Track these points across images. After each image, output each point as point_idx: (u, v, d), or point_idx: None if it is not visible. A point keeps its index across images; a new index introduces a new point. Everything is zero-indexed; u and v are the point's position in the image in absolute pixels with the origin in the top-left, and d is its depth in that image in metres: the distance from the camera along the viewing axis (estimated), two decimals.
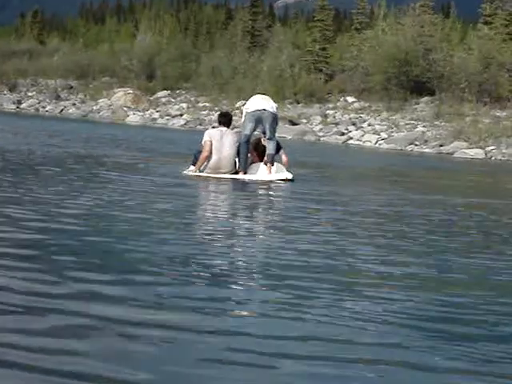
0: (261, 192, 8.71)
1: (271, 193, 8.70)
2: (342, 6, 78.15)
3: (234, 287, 3.55)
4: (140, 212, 5.75)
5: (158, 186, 7.86)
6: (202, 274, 3.74)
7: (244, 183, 9.42)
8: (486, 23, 37.74)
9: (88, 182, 7.69)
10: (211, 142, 9.65)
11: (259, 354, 2.55)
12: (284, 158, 10.47)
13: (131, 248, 4.28)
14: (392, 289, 3.67)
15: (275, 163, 10.04)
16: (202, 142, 9.73)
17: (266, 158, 9.99)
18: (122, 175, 8.62)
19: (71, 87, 46.26)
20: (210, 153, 9.59)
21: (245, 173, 9.86)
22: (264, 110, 10.02)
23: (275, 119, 10.15)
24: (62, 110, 39.77)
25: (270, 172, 9.87)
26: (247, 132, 9.92)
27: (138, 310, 2.97)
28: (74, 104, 41.46)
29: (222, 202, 7.64)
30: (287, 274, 3.83)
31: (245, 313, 3.14)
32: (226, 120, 10.08)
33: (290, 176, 9.77)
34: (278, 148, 10.55)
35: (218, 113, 11.26)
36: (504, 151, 26.46)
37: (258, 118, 9.98)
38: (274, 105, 10.27)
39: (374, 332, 2.92)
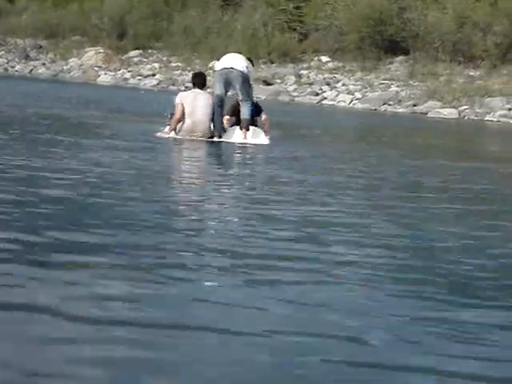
0: (231, 156, 8.52)
1: (242, 157, 8.46)
2: None
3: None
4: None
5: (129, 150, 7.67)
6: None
7: (216, 146, 9.14)
8: None
9: (56, 144, 7.53)
10: (182, 104, 9.25)
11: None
12: (265, 123, 10.08)
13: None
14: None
15: (252, 127, 9.65)
16: (175, 103, 9.38)
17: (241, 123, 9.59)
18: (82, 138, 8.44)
19: (41, 47, 45.36)
20: (182, 115, 9.22)
21: (220, 137, 9.49)
22: (232, 68, 9.47)
23: (246, 79, 9.54)
24: (31, 70, 39.07)
25: (246, 137, 9.47)
26: (217, 92, 9.45)
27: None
28: (44, 64, 40.73)
29: (188, 166, 7.41)
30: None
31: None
32: (199, 81, 9.63)
33: (265, 141, 9.44)
34: (259, 110, 10.24)
35: (192, 73, 10.82)
36: (477, 111, 26.54)
37: (226, 78, 9.45)
38: (246, 64, 9.60)
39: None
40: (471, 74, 31.95)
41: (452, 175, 7.93)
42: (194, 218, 4.18)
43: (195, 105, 9.30)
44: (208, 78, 11.92)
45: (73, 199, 4.47)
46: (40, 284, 2.62)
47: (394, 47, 35.61)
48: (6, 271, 2.74)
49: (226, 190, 5.40)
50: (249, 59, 9.94)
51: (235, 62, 9.51)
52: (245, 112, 9.51)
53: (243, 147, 9.03)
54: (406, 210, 5.09)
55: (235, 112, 9.95)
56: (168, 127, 9.39)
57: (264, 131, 10.05)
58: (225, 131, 9.62)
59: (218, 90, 9.42)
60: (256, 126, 10.04)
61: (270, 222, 4.05)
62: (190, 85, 10.04)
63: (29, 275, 2.72)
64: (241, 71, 9.39)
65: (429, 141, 14.58)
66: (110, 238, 3.46)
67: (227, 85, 9.44)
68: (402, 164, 8.69)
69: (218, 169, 7.02)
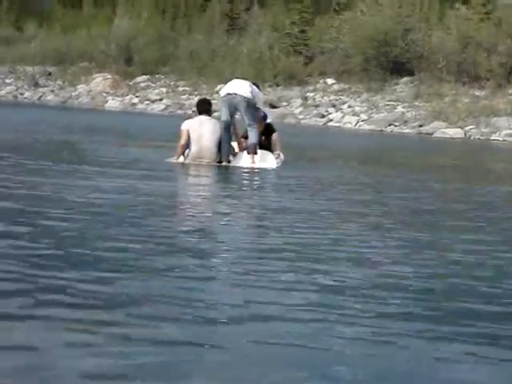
0: (237, 183, 8.36)
1: (250, 182, 8.37)
2: None
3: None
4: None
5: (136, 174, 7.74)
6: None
7: (223, 172, 9.09)
8: (463, 3, 37.74)
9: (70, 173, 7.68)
10: (188, 131, 9.24)
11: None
12: (276, 144, 10.09)
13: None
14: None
15: (260, 151, 9.65)
16: (180, 130, 9.36)
17: (248, 148, 9.57)
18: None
19: (49, 74, 45.82)
20: (188, 142, 9.22)
21: (228, 162, 9.50)
22: (235, 94, 9.46)
23: (251, 104, 9.51)
24: (40, 97, 39.46)
25: (254, 162, 9.47)
26: (224, 118, 9.49)
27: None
28: (53, 91, 41.12)
29: (191, 195, 7.25)
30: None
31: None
32: (204, 107, 9.62)
33: (273, 165, 9.44)
34: (272, 130, 10.26)
35: (196, 100, 10.75)
36: (483, 130, 26.63)
37: (230, 103, 9.49)
38: (249, 89, 9.57)
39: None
40: (476, 93, 32.09)
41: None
42: (189, 256, 3.84)
43: (201, 132, 9.30)
44: (215, 101, 12.04)
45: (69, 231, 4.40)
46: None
47: (399, 68, 35.85)
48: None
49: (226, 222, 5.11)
50: (255, 84, 10.01)
51: (238, 87, 9.56)
52: (252, 137, 9.55)
53: (251, 172, 9.03)
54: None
55: (246, 137, 9.90)
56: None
57: (275, 152, 10.09)
58: (234, 155, 9.64)
59: (224, 115, 9.49)
60: (269, 145, 10.06)
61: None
62: (196, 112, 10.00)
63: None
64: (244, 96, 9.43)
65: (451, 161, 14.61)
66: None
67: (233, 110, 9.52)
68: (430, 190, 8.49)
69: (221, 197, 6.79)
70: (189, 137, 9.27)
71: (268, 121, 10.57)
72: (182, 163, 9.30)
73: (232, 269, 3.61)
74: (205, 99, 10.53)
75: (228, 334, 2.59)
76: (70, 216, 4.76)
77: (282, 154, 10.44)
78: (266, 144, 10.07)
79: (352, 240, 4.59)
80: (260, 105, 9.97)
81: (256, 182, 8.38)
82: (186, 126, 9.39)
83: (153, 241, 4.09)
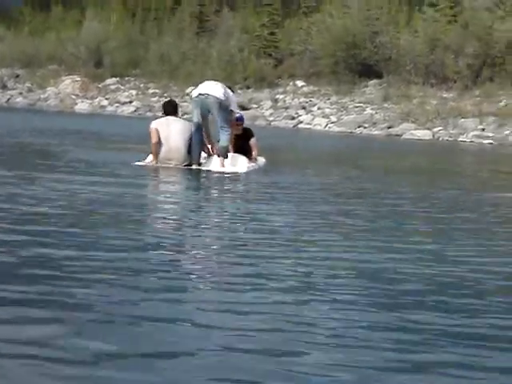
0: (204, 188, 8.03)
1: (218, 189, 7.88)
2: None
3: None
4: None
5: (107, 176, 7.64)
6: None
7: (191, 175, 8.77)
8: (431, 5, 38.16)
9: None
10: (157, 129, 9.05)
11: None
12: (253, 149, 9.96)
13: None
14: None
15: (231, 154, 9.45)
16: (149, 130, 9.16)
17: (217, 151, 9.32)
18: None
19: (18, 76, 45.44)
20: (159, 140, 9.00)
21: (199, 164, 9.24)
22: (208, 94, 9.17)
23: (223, 106, 9.24)
24: (8, 99, 39.09)
25: (223, 165, 9.22)
26: (195, 119, 9.20)
27: None
28: (21, 93, 40.77)
29: (154, 201, 6.92)
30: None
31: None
32: (170, 109, 9.42)
33: (243, 170, 9.23)
34: (250, 135, 10.14)
35: (162, 102, 10.44)
36: (451, 132, 26.97)
37: (202, 104, 9.17)
38: (223, 90, 9.28)
39: None
40: (444, 95, 32.48)
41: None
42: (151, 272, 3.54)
43: (169, 132, 9.08)
44: (185, 104, 11.88)
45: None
46: None
47: (367, 71, 36.16)
48: None
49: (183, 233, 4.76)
50: (228, 87, 9.76)
51: (211, 88, 9.30)
52: (223, 140, 9.30)
53: (218, 178, 8.71)
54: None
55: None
56: (150, 155, 9.16)
57: (252, 157, 9.96)
58: (209, 156, 9.37)
59: (195, 117, 9.22)
60: (246, 150, 9.93)
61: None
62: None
63: None
64: (216, 97, 9.15)
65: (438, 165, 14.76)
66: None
67: (204, 111, 9.21)
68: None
69: (178, 206, 6.23)
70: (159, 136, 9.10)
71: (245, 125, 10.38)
72: (151, 165, 9.07)
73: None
74: (170, 100, 10.33)
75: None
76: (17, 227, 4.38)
77: (262, 159, 10.39)
78: (245, 148, 9.96)
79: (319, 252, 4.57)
80: (234, 107, 9.72)
81: (217, 189, 7.89)
82: (154, 124, 9.21)
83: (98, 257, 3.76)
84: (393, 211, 6.40)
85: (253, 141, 10.14)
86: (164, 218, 5.30)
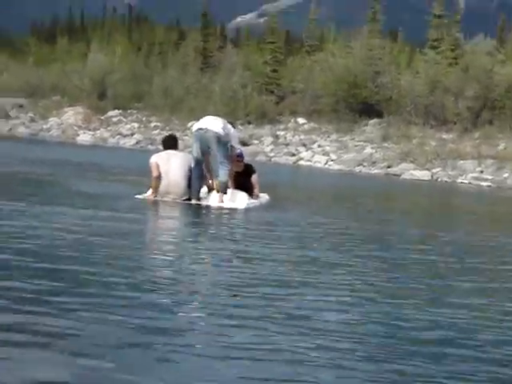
0: (201, 225, 7.85)
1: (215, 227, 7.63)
2: (292, 28, 79.15)
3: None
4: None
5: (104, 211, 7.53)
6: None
7: (190, 210, 8.69)
8: (432, 47, 38.63)
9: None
10: (157, 163, 9.08)
11: None
12: (255, 185, 9.96)
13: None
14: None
15: (231, 190, 9.42)
16: (149, 164, 9.17)
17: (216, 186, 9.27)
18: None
19: (21, 106, 45.71)
20: (160, 174, 9.01)
21: (198, 199, 9.20)
22: (207, 129, 9.16)
23: (222, 141, 9.21)
24: (10, 129, 39.24)
25: (222, 201, 9.19)
26: (194, 154, 9.20)
27: None
28: (24, 123, 40.95)
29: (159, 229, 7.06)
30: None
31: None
32: (170, 143, 9.44)
33: (242, 206, 9.16)
34: (251, 171, 10.14)
35: (162, 137, 10.38)
36: (450, 173, 27.05)
37: (201, 138, 9.16)
38: (222, 125, 9.27)
39: None
40: (444, 136, 32.65)
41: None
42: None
43: (168, 166, 9.09)
44: (187, 138, 11.85)
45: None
46: None
47: (368, 110, 36.44)
48: None
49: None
50: (230, 123, 9.79)
51: (210, 123, 9.27)
52: (221, 175, 9.25)
53: (217, 214, 8.61)
54: None
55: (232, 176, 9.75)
56: (150, 190, 9.14)
57: (254, 194, 9.98)
58: (210, 191, 9.33)
59: (195, 151, 9.17)
60: (248, 187, 9.88)
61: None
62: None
63: None
64: (215, 132, 9.11)
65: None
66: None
67: (204, 146, 9.16)
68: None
69: (172, 243, 6.12)
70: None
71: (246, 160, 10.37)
72: (150, 199, 9.06)
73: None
74: (170, 135, 10.24)
75: None
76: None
77: (266, 195, 10.39)
78: (246, 185, 9.93)
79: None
80: (234, 143, 9.68)
81: (213, 226, 7.76)
82: (154, 158, 9.24)
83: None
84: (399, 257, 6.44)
85: (254, 177, 10.13)
86: (155, 256, 5.17)
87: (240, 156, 10.13)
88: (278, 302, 3.87)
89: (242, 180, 10.01)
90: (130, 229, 6.41)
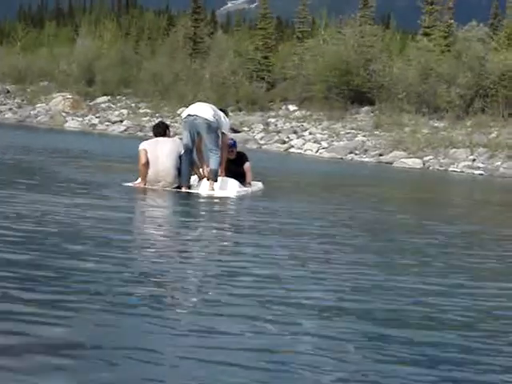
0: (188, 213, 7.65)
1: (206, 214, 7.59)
2: (283, 14, 78.68)
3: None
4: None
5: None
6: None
7: (178, 198, 8.50)
8: (425, 35, 38.37)
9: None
10: (146, 150, 8.94)
11: None
12: (247, 174, 9.95)
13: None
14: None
15: (221, 178, 9.30)
16: (138, 152, 9.03)
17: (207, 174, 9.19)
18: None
19: (8, 92, 45.20)
20: (147, 161, 8.90)
21: (188, 187, 9.06)
22: (196, 116, 9.05)
23: (212, 128, 9.06)
24: None
25: (212, 189, 9.07)
26: (184, 141, 9.06)
27: None
28: (11, 109, 40.49)
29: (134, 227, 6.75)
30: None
31: None
32: (158, 130, 9.24)
33: (233, 194, 9.10)
34: (244, 160, 10.10)
35: (152, 125, 10.22)
36: (442, 161, 26.87)
37: (190, 125, 9.04)
38: (212, 112, 9.12)
39: None
40: (436, 124, 32.47)
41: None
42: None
43: (157, 153, 8.96)
44: (177, 124, 11.62)
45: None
46: None
47: (360, 97, 36.19)
48: None
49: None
50: (222, 110, 9.64)
51: (200, 109, 9.13)
52: (212, 163, 9.13)
53: (206, 202, 8.47)
54: None
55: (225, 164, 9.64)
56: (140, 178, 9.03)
57: (246, 182, 9.94)
58: (200, 179, 9.24)
59: (185, 138, 9.04)
60: (240, 175, 9.82)
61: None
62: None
63: None
64: (205, 118, 8.99)
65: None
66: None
67: (193, 133, 9.04)
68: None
69: (156, 232, 5.90)
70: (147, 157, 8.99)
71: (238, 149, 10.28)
72: (139, 187, 8.91)
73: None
74: (159, 122, 10.00)
75: None
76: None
77: (260, 184, 10.31)
78: (238, 173, 9.84)
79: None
80: (225, 130, 9.50)
81: (201, 214, 7.63)
82: (143, 145, 9.11)
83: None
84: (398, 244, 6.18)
85: (247, 165, 10.06)
86: (142, 247, 4.96)
87: (233, 145, 10.02)
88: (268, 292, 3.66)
89: (234, 168, 9.89)
90: (117, 217, 6.19)
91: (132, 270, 4.05)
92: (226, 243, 5.46)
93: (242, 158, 10.16)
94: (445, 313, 3.63)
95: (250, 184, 10.04)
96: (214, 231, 6.09)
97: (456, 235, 7.22)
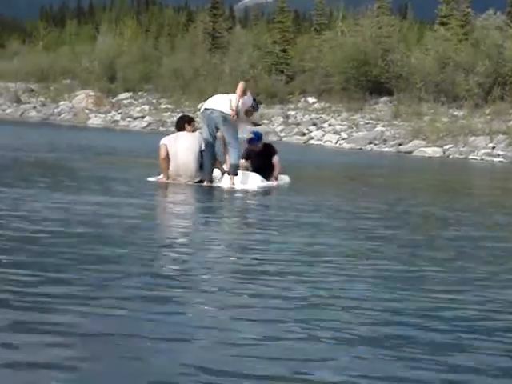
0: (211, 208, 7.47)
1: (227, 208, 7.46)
2: (301, 7, 78.73)
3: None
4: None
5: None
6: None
7: (200, 193, 8.40)
8: (442, 24, 38.38)
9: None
10: (166, 145, 8.91)
11: None
12: (275, 167, 9.61)
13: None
14: None
15: (242, 172, 9.09)
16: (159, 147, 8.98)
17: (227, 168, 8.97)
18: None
19: (32, 90, 45.91)
20: (167, 156, 8.86)
21: (211, 181, 8.94)
22: (213, 109, 8.86)
23: (228, 120, 8.81)
24: (22, 113, 39.47)
25: (233, 184, 8.90)
26: (204, 135, 8.95)
27: None
28: (35, 107, 41.15)
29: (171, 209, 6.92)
30: None
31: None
32: (179, 125, 9.22)
33: (254, 187, 8.88)
34: (271, 152, 9.81)
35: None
36: (461, 149, 27.00)
37: (208, 119, 8.91)
38: (228, 104, 8.83)
39: None
40: (455, 113, 32.55)
41: None
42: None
43: (176, 148, 8.92)
44: (197, 119, 11.59)
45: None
46: None
47: (378, 88, 36.35)
48: None
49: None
50: (254, 100, 9.35)
51: (217, 102, 8.95)
52: (231, 157, 8.91)
53: (227, 197, 8.32)
54: None
55: (250, 156, 9.54)
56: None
57: (273, 176, 9.70)
58: (223, 174, 9.03)
59: (205, 133, 8.94)
60: (267, 167, 9.58)
61: None
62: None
63: None
64: (221, 111, 8.77)
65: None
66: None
67: (212, 127, 8.90)
68: None
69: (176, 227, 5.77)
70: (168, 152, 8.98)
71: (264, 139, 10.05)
72: (162, 181, 8.93)
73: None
74: (180, 117, 9.83)
75: None
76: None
77: (286, 177, 10.02)
78: (266, 165, 9.61)
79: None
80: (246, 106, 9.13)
81: (221, 209, 7.49)
82: (163, 141, 9.09)
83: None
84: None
85: (275, 159, 9.72)
86: (164, 244, 4.73)
87: (256, 140, 9.79)
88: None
89: (261, 160, 9.68)
90: (140, 213, 6.10)
91: (155, 266, 3.96)
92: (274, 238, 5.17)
93: (269, 149, 9.85)
94: None
95: (276, 178, 9.74)
96: (231, 227, 6.02)
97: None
